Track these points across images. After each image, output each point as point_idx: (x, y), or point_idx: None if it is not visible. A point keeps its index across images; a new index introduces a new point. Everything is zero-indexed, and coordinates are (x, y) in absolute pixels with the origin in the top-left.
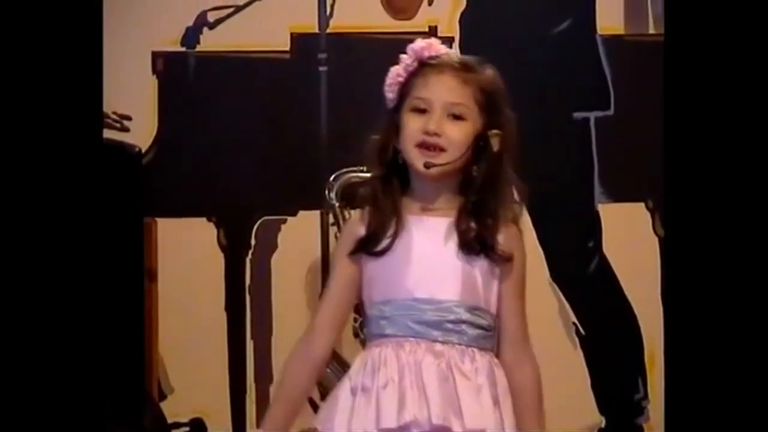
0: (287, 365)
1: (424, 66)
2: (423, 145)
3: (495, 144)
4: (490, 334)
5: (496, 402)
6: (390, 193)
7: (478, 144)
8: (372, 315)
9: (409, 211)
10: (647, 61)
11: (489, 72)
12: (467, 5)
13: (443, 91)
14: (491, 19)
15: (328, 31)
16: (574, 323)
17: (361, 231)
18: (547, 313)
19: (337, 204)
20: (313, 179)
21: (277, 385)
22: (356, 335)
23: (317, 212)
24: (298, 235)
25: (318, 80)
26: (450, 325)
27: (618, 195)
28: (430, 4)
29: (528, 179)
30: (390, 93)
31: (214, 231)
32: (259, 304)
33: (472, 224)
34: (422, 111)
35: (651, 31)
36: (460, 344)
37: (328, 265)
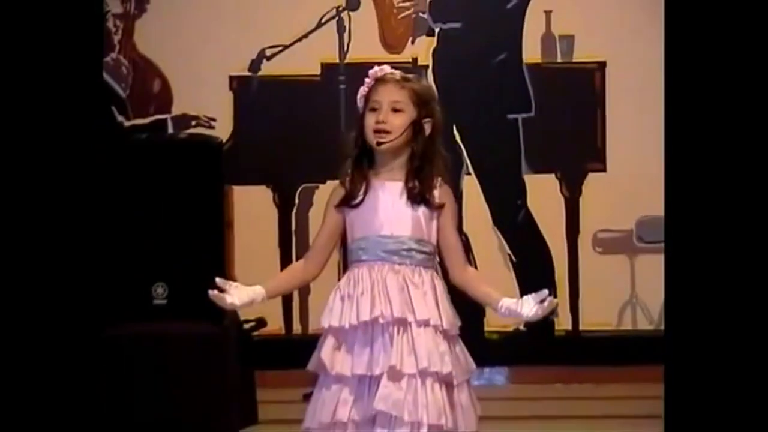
0: (290, 267)
1: (376, 82)
2: (376, 131)
3: (427, 128)
4: (431, 257)
5: (436, 302)
6: (361, 167)
7: (415, 128)
8: (353, 247)
9: (375, 178)
10: (555, 80)
11: (422, 81)
12: (437, 44)
13: (387, 94)
14: (454, 53)
15: (345, 61)
16: (508, 254)
17: (342, 192)
18: (491, 247)
19: None
20: (335, 159)
21: (282, 273)
22: None
23: (338, 181)
24: (326, 196)
25: (339, 95)
26: (404, 252)
27: (537, 168)
28: (413, 42)
29: (482, 158)
30: (360, 103)
31: (271, 194)
32: (300, 242)
33: (416, 183)
34: (375, 110)
35: (559, 60)
36: (411, 265)
37: None
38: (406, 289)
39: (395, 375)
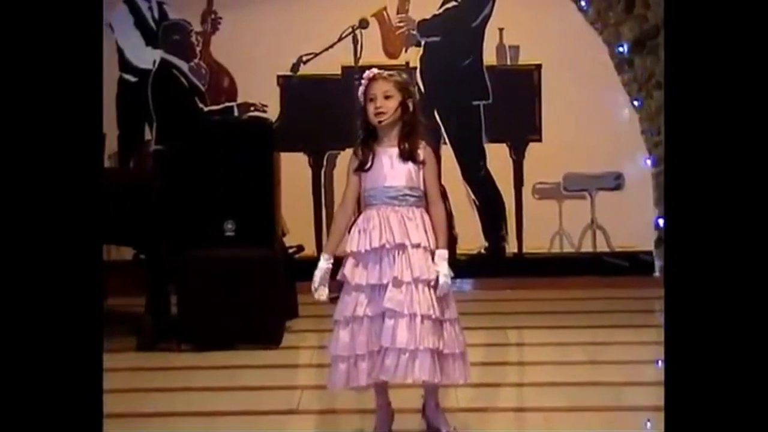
0: (335, 221)
1: (369, 81)
2: (376, 114)
3: (410, 105)
4: (420, 199)
5: (425, 230)
6: (367, 142)
7: (403, 108)
8: (365, 195)
9: (378, 146)
10: (506, 78)
11: (402, 74)
12: (423, 52)
13: (378, 87)
14: (435, 58)
15: (359, 65)
16: (473, 200)
17: (356, 162)
18: (461, 195)
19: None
20: (351, 134)
21: (332, 229)
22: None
23: (352, 152)
24: (345, 160)
25: (354, 90)
26: (401, 197)
27: (494, 139)
28: (406, 51)
29: (455, 132)
30: (360, 98)
31: (306, 158)
32: (328, 193)
33: (406, 146)
34: (372, 100)
35: (508, 63)
36: (406, 205)
37: None
38: (403, 222)
39: (397, 283)
